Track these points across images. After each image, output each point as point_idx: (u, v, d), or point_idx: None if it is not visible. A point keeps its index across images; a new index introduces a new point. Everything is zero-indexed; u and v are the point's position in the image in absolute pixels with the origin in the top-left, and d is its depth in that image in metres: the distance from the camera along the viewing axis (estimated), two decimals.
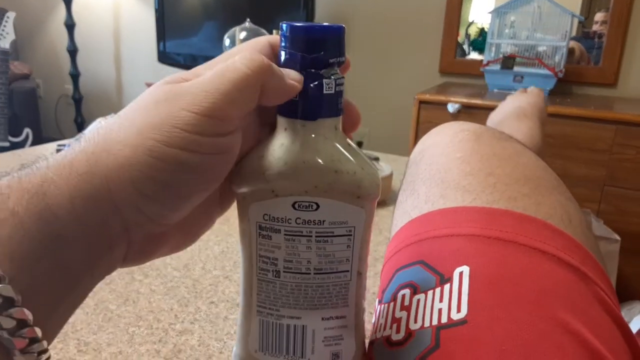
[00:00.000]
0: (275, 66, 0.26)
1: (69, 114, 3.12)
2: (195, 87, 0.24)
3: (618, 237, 1.57)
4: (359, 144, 1.83)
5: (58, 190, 0.22)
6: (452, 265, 0.30)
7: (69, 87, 3.02)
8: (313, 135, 0.27)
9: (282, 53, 0.28)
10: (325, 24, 0.27)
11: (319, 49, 0.27)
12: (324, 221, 0.28)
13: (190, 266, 0.64)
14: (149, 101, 0.25)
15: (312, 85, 0.27)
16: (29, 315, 0.20)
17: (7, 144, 2.48)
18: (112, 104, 3.07)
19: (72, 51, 2.86)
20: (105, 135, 0.24)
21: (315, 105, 0.27)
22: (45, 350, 0.21)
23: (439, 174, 0.40)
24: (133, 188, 0.23)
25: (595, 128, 1.61)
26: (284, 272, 0.29)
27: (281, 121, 0.28)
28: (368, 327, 0.45)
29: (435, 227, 0.34)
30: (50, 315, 0.22)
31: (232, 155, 0.26)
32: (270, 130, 0.29)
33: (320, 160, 0.27)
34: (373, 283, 0.59)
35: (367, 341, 0.32)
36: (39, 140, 2.68)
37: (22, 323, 0.20)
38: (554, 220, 0.34)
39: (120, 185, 0.23)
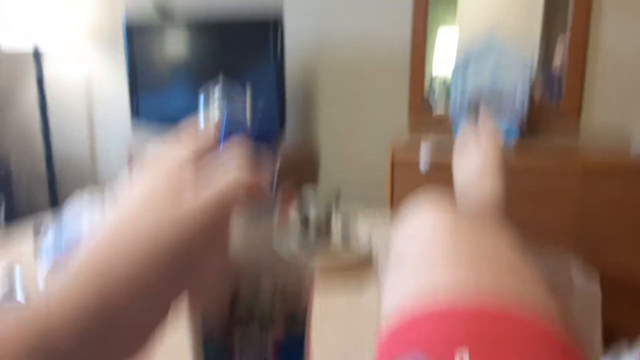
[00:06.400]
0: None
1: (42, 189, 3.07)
2: None
3: (596, 276, 1.60)
4: (337, 200, 1.85)
5: None
6: None
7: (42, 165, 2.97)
8: None
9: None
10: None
11: None
12: None
13: None
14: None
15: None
16: None
17: None
18: (86, 175, 3.03)
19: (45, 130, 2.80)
20: None
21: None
22: None
23: (425, 264, 0.42)
24: None
25: (562, 177, 1.67)
26: None
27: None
28: None
29: (426, 336, 0.35)
30: None
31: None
32: None
33: None
34: None
35: None
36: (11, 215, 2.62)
37: None
38: (541, 316, 0.35)
39: None
